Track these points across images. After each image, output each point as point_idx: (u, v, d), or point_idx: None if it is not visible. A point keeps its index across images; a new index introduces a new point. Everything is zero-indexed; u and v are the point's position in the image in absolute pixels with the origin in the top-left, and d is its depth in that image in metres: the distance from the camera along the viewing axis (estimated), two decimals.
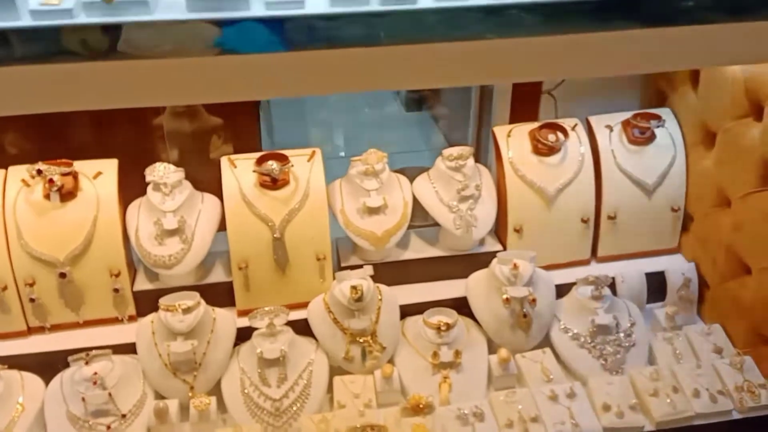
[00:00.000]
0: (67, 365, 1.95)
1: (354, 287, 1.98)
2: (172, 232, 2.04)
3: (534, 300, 2.04)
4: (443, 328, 2.02)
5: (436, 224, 2.32)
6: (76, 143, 2.67)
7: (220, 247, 2.17)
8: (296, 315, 2.05)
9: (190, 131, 2.76)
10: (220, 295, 2.12)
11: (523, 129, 2.30)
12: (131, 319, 2.12)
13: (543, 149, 2.24)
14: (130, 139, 2.74)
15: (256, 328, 2.00)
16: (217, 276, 2.19)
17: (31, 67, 1.12)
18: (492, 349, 2.08)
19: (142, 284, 2.14)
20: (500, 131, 2.31)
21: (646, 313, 2.20)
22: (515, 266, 2.06)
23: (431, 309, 2.09)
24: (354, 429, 1.74)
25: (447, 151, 2.22)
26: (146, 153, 2.78)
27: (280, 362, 1.92)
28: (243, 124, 3.01)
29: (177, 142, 2.79)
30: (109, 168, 2.09)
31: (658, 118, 2.27)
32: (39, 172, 1.91)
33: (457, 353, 2.00)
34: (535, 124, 2.29)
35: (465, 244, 2.27)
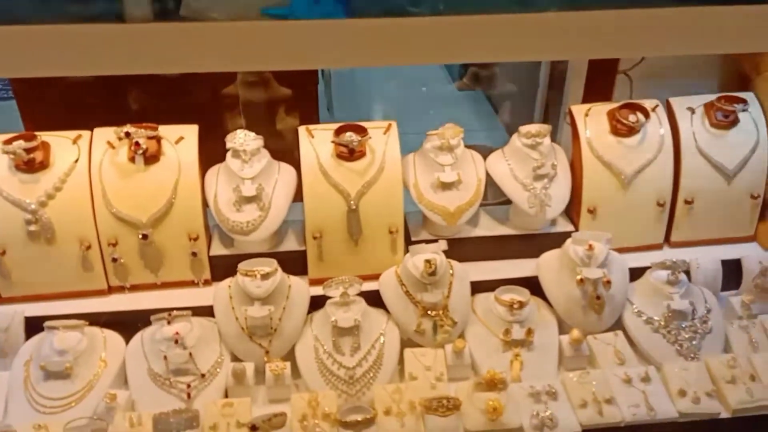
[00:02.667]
0: (145, 325, 2.01)
1: (428, 261, 1.98)
2: (250, 199, 2.07)
3: (608, 282, 2.01)
4: (516, 306, 2.01)
5: (506, 202, 2.31)
6: (149, 109, 2.72)
7: (293, 217, 2.20)
8: (366, 286, 2.06)
9: (260, 101, 2.79)
10: (291, 264, 2.15)
11: (602, 108, 2.26)
12: (206, 283, 2.17)
13: (622, 129, 2.20)
14: (200, 107, 2.78)
15: (328, 297, 2.02)
16: (290, 245, 2.22)
17: (91, 27, 1.13)
18: (562, 329, 2.07)
19: (218, 249, 2.19)
20: (578, 110, 2.28)
21: (720, 301, 2.16)
22: (590, 247, 2.04)
23: (503, 287, 2.09)
24: (430, 401, 1.75)
25: (524, 128, 2.20)
26: (216, 120, 2.83)
27: (354, 331, 1.95)
28: (303, 98, 3.03)
29: (249, 111, 2.82)
30: (190, 133, 2.12)
31: (743, 101, 2.21)
32: (127, 134, 1.95)
33: (530, 331, 2.00)
34: (615, 104, 2.25)
35: (537, 223, 2.25)
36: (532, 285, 2.14)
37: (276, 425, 1.70)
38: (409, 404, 1.81)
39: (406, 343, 2.04)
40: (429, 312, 2.01)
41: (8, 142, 1.95)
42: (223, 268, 2.13)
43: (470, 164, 2.22)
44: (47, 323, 1.89)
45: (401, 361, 1.98)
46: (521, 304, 2.02)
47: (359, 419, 1.75)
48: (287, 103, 2.97)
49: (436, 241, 2.03)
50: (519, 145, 2.21)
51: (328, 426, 1.77)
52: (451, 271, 2.07)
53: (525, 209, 2.18)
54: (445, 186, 2.15)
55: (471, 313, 2.09)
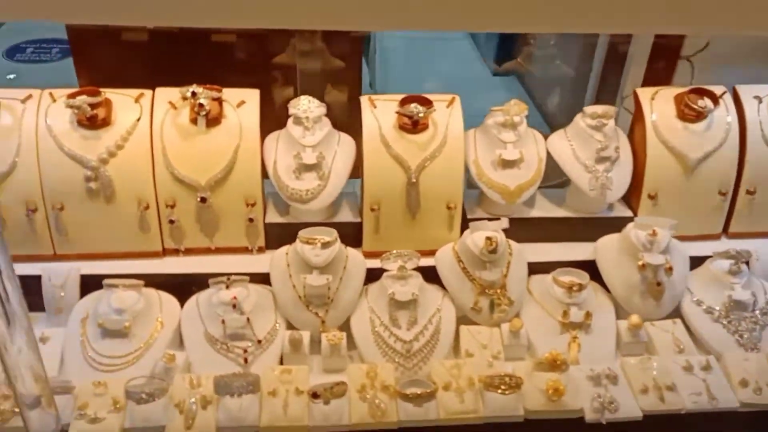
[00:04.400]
0: (199, 288, 2.00)
1: (489, 238, 1.96)
2: (310, 167, 2.05)
3: (670, 268, 1.98)
4: (575, 288, 1.99)
5: (563, 185, 2.27)
6: (200, 73, 2.69)
7: (348, 189, 2.18)
8: (421, 262, 2.05)
9: (311, 71, 2.75)
10: (345, 236, 2.12)
11: (668, 93, 2.22)
12: (260, 250, 2.15)
13: (690, 115, 2.15)
14: (249, 73, 2.74)
15: (383, 270, 2.01)
16: (344, 216, 2.20)
17: None
18: (618, 315, 2.05)
19: (273, 217, 2.17)
20: (644, 93, 2.23)
21: None
22: (654, 233, 2.00)
23: (560, 269, 2.06)
24: (491, 377, 1.74)
25: (590, 109, 2.16)
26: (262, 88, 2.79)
27: (411, 305, 1.93)
28: (347, 71, 2.99)
29: (298, 80, 2.78)
30: (251, 98, 2.09)
31: None
32: (193, 94, 1.93)
33: (588, 315, 1.97)
34: (683, 88, 2.20)
35: (595, 206, 2.22)
36: (587, 269, 2.11)
37: (337, 394, 1.69)
38: (468, 380, 1.79)
39: (460, 320, 2.02)
40: (487, 290, 1.99)
41: (72, 96, 1.93)
42: (277, 236, 2.12)
43: (532, 143, 2.18)
44: (106, 281, 1.89)
45: (457, 337, 1.97)
46: (581, 287, 1.99)
47: (419, 392, 1.74)
48: (333, 75, 2.93)
49: (498, 218, 2.00)
50: (583, 125, 2.17)
51: (386, 398, 1.75)
52: (509, 251, 2.04)
53: (585, 191, 2.14)
54: (506, 164, 2.12)
55: (527, 293, 2.07)
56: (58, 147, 1.95)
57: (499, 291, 1.99)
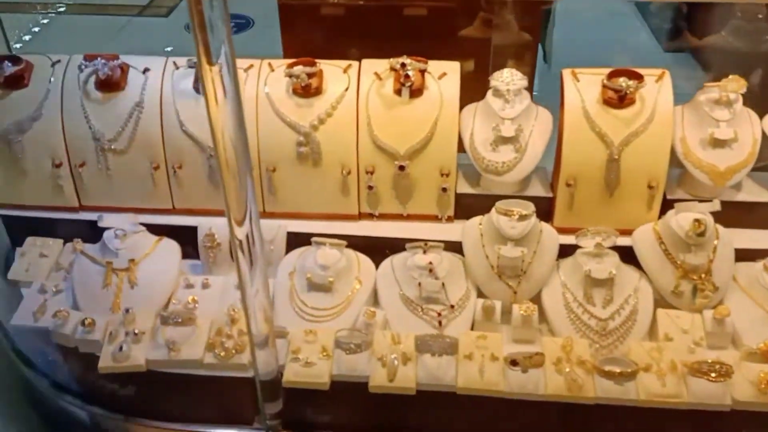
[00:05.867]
0: (393, 251, 2.09)
1: (698, 221, 1.87)
2: (508, 140, 2.06)
3: None
4: None
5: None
6: (388, 45, 2.78)
7: (540, 163, 2.16)
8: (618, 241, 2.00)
9: (503, 42, 2.75)
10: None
11: None
12: (449, 219, 2.20)
13: None
14: (435, 46, 2.79)
15: (576, 246, 1.98)
16: (535, 190, 2.19)
17: None
18: None
19: (463, 188, 2.20)
20: None
21: None
22: None
23: None
24: (699, 363, 1.67)
25: None
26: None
27: (608, 284, 1.89)
28: (523, 44, 2.94)
29: (475, 53, 2.79)
30: (452, 70, 2.13)
31: None
32: (402, 65, 2.00)
33: None
34: None
35: None
36: None
37: (536, 363, 1.71)
38: (670, 363, 1.73)
39: (657, 302, 1.95)
40: (690, 274, 1.90)
41: (291, 65, 2.07)
42: (467, 206, 2.16)
43: (747, 122, 2.04)
44: (315, 239, 2.02)
45: (654, 320, 1.91)
46: None
47: (619, 371, 1.71)
48: (510, 49, 2.91)
49: (709, 200, 1.90)
50: None
51: (583, 373, 1.74)
52: (716, 235, 1.93)
53: None
54: (718, 143, 2.00)
55: (732, 281, 1.96)
56: (275, 113, 2.10)
57: (703, 276, 1.90)
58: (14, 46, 4.15)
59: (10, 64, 2.13)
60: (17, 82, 2.14)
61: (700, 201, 1.92)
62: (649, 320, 1.89)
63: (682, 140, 2.04)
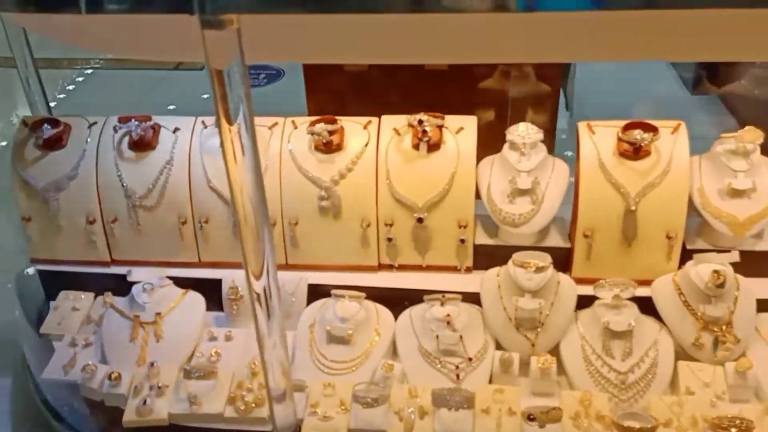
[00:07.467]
0: (411, 303, 2.12)
1: (717, 272, 1.86)
2: (524, 192, 2.09)
3: None
4: None
5: None
6: (405, 100, 2.86)
7: (557, 214, 2.18)
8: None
9: (521, 94, 2.80)
10: (553, 260, 2.13)
11: None
12: (467, 270, 2.23)
13: None
14: (453, 99, 2.86)
15: (594, 297, 1.98)
16: (553, 241, 2.21)
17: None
18: None
19: (482, 239, 2.23)
20: None
21: None
22: None
23: None
24: (720, 419, 1.65)
25: None
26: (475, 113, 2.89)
27: (627, 336, 1.88)
28: (544, 95, 2.99)
29: (497, 105, 2.85)
30: (469, 124, 2.18)
31: None
32: (420, 122, 2.06)
33: None
34: None
35: None
36: None
37: (553, 418, 1.70)
38: (691, 419, 1.71)
39: (677, 355, 1.93)
40: (711, 326, 1.88)
41: (313, 123, 2.15)
42: (486, 257, 2.18)
43: (765, 171, 2.03)
44: (335, 291, 2.07)
45: (675, 373, 1.88)
46: None
47: (638, 426, 1.69)
48: (529, 100, 2.96)
49: (727, 251, 1.89)
50: None
51: (601, 428, 1.73)
52: (736, 285, 1.92)
53: None
54: (736, 193, 2.00)
55: (755, 332, 1.93)
56: (298, 169, 2.17)
57: (724, 327, 1.88)
58: (58, 96, 4.39)
59: (49, 127, 2.25)
60: (56, 143, 2.27)
61: (720, 251, 1.92)
62: (669, 373, 1.87)
63: (700, 190, 2.04)
